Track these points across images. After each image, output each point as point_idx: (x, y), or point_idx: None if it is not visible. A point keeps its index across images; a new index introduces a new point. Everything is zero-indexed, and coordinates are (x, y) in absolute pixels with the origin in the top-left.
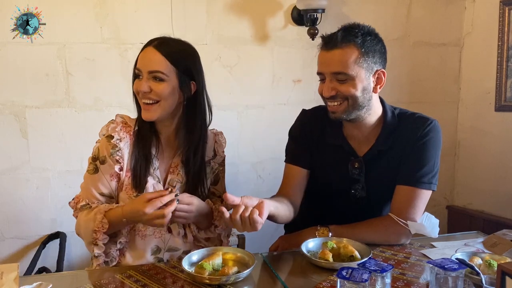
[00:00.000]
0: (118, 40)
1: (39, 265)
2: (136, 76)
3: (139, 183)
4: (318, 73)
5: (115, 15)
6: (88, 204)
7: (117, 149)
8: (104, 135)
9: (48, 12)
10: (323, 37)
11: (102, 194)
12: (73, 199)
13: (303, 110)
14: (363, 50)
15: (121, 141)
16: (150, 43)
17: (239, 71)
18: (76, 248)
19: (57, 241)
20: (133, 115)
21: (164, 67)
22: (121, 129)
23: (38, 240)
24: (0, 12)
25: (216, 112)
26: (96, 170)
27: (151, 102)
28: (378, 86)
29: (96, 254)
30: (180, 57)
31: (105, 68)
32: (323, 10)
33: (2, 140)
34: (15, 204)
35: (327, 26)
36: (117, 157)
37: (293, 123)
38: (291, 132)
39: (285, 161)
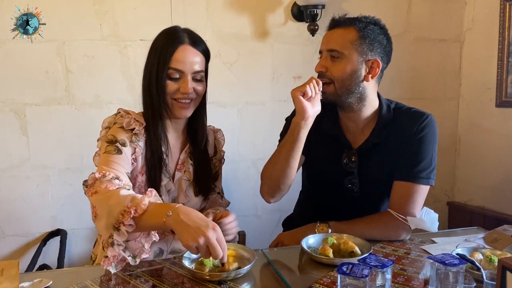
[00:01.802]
0: (118, 37)
1: (39, 262)
2: (169, 76)
3: (154, 184)
4: (319, 51)
5: (114, 12)
6: (118, 178)
7: (138, 139)
8: (108, 127)
9: (48, 12)
10: (329, 21)
11: (128, 175)
12: (93, 173)
13: None
14: (361, 33)
15: (140, 132)
16: (181, 40)
17: (239, 68)
18: (77, 245)
19: (57, 238)
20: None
21: (204, 66)
22: (135, 122)
23: (39, 238)
24: (0, 12)
25: (216, 109)
26: (119, 151)
27: (189, 101)
28: (370, 76)
29: (116, 242)
30: (209, 53)
31: (105, 65)
32: (323, 6)
33: (2, 138)
34: (16, 201)
35: (327, 22)
36: (136, 147)
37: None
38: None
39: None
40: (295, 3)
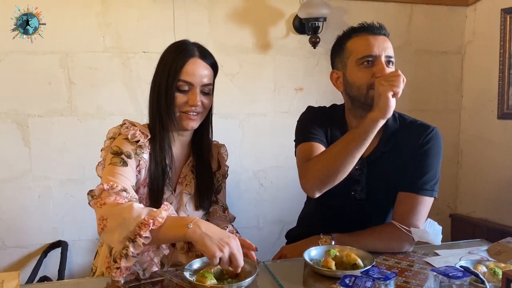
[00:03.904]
0: (121, 49)
1: (40, 274)
2: (178, 88)
3: (156, 196)
4: (366, 56)
5: (117, 24)
6: (126, 190)
7: (142, 151)
8: (112, 137)
9: (48, 12)
10: (366, 24)
11: (134, 189)
12: (101, 184)
13: (310, 106)
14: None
15: (145, 145)
16: (192, 53)
17: (241, 80)
18: (78, 257)
19: (58, 250)
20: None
21: (212, 79)
22: (140, 134)
23: (40, 249)
24: (0, 12)
25: (218, 120)
26: (125, 163)
27: (196, 113)
28: None
29: (130, 253)
30: (217, 66)
31: (108, 77)
32: (325, 19)
33: (4, 149)
34: (17, 212)
35: (329, 34)
36: (140, 159)
37: (301, 114)
38: (305, 115)
39: (300, 141)
40: (296, 15)
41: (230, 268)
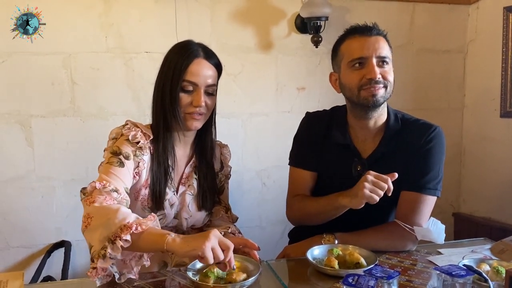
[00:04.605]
0: (123, 49)
1: (44, 274)
2: (182, 88)
3: (159, 198)
4: (356, 59)
5: (120, 25)
6: (117, 191)
7: (142, 153)
8: (115, 138)
9: (49, 12)
10: (358, 26)
11: (126, 191)
12: (94, 182)
13: (307, 113)
14: (390, 45)
15: (145, 147)
16: (196, 53)
17: (243, 79)
18: (81, 257)
19: (62, 250)
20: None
21: (216, 80)
22: (141, 136)
23: (43, 249)
24: (0, 12)
25: (220, 120)
26: (122, 164)
27: (200, 114)
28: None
29: (108, 255)
30: (221, 67)
31: (110, 77)
32: (327, 18)
33: (7, 149)
34: (20, 213)
35: (331, 34)
36: (140, 161)
37: (299, 125)
38: (297, 136)
39: (292, 163)
40: (298, 15)
41: (219, 268)
